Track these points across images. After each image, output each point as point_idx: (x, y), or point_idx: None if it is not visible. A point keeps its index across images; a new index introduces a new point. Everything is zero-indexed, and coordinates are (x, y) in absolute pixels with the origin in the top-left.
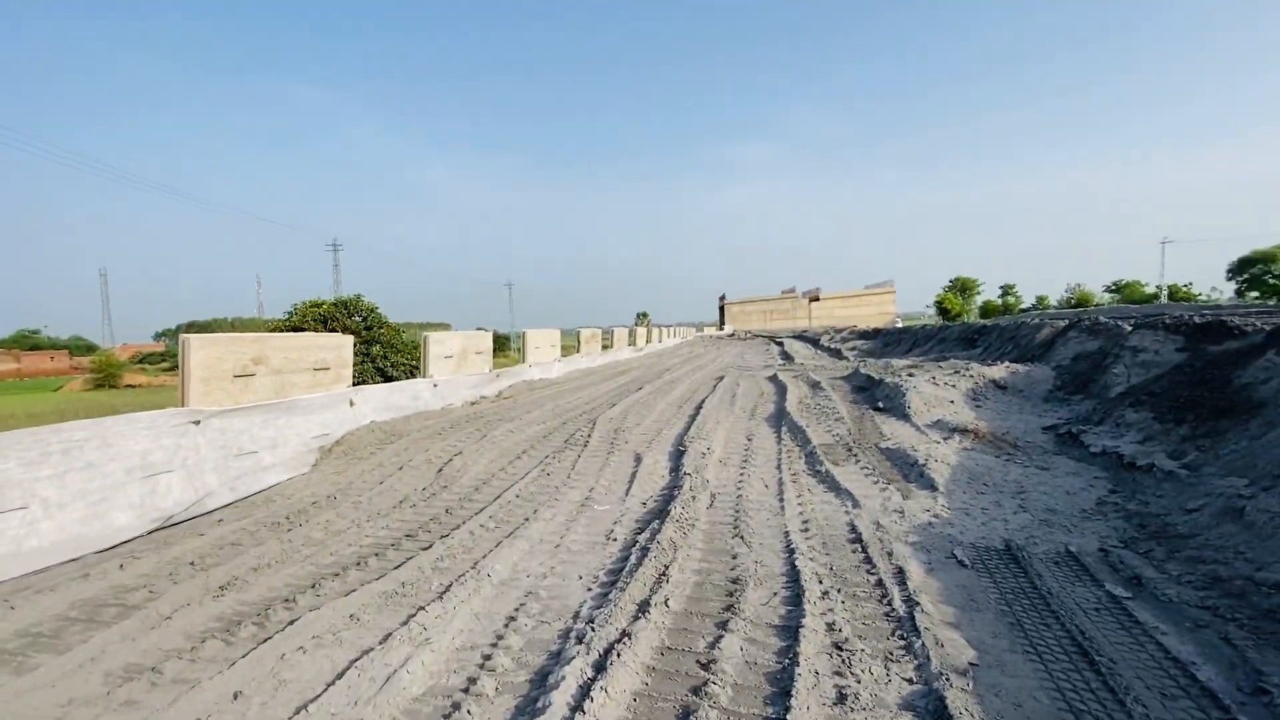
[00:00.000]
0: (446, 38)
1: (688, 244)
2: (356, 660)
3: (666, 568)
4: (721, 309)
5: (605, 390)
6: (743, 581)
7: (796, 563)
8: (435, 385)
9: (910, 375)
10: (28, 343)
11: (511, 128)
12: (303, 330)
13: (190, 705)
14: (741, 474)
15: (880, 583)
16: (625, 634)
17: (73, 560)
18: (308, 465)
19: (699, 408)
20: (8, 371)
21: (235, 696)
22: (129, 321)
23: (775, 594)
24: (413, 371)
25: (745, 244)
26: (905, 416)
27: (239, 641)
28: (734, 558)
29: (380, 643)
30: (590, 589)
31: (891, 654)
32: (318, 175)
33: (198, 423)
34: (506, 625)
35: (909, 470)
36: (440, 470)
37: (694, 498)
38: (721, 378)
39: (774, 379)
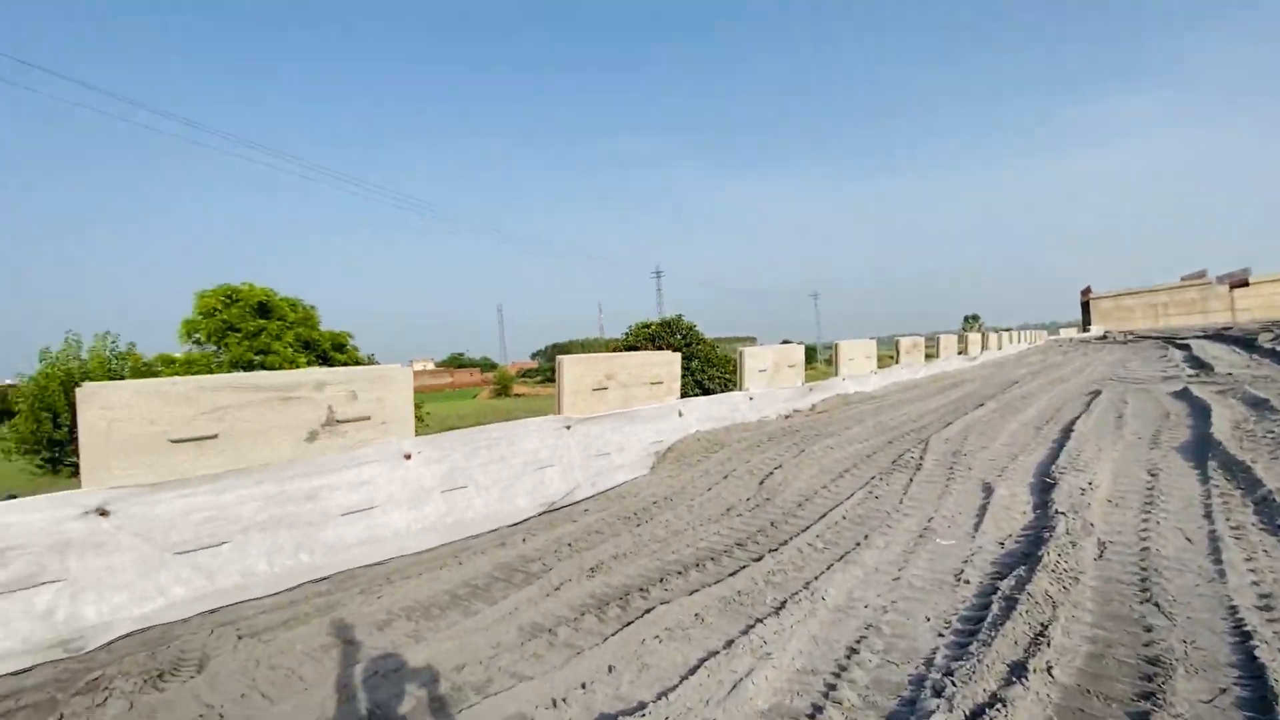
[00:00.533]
0: (737, 69)
1: (1024, 233)
2: (705, 660)
3: (1045, 627)
4: (1085, 305)
5: (935, 406)
6: (1166, 665)
7: (1258, 654)
8: (751, 398)
9: None
10: (457, 362)
11: (808, 139)
12: (636, 349)
13: (577, 668)
14: (1145, 520)
15: None
16: (997, 699)
17: (492, 531)
18: (646, 468)
19: (1068, 431)
20: (445, 384)
21: (609, 669)
22: (516, 343)
23: (1223, 691)
24: (727, 384)
25: (1113, 227)
26: None
27: (608, 620)
28: (1147, 630)
29: (724, 647)
30: (941, 635)
31: None
32: (641, 212)
33: (569, 427)
34: (848, 656)
35: None
36: (762, 482)
37: (1074, 544)
38: (1097, 392)
39: (1184, 394)
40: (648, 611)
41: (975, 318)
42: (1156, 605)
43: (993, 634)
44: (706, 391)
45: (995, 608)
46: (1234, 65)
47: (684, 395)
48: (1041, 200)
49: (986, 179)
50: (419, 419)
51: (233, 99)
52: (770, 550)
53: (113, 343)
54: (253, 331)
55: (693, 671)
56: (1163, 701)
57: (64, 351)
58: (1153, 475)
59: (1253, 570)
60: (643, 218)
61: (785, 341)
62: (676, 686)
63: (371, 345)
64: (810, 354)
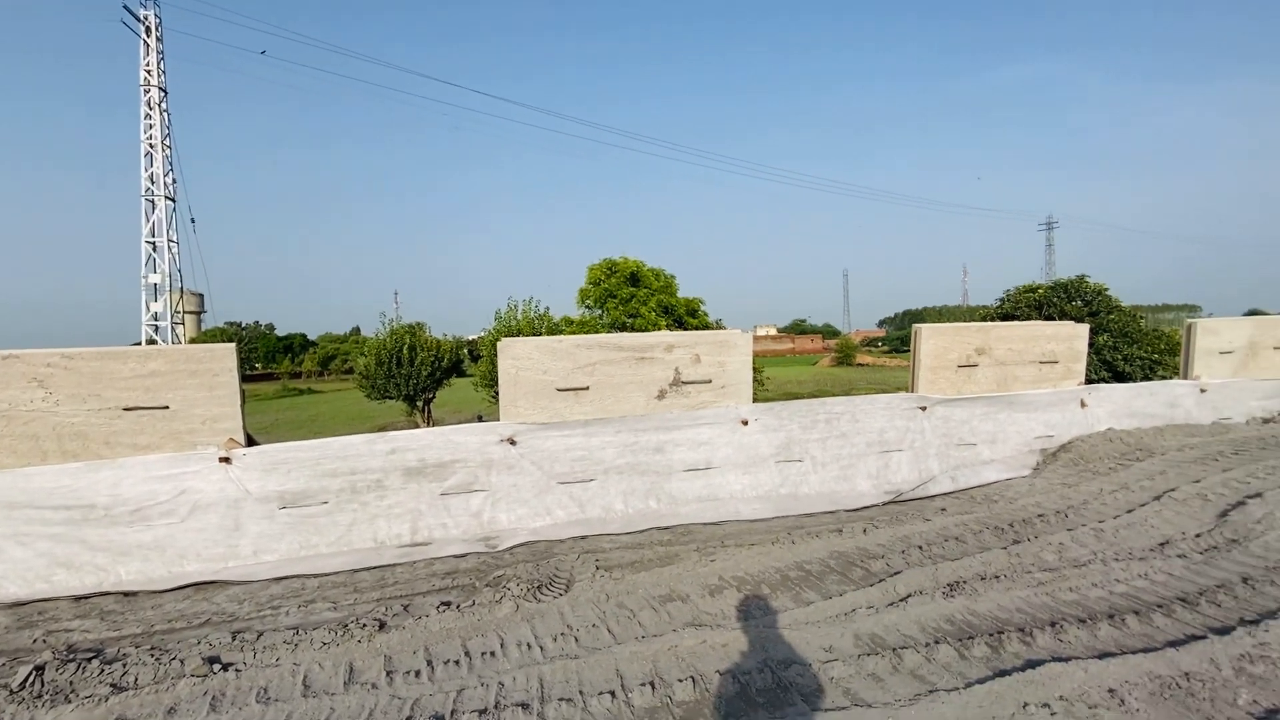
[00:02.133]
0: None
1: None
2: None
3: None
4: None
5: None
6: None
7: None
8: (1203, 390)
9: None
10: (799, 328)
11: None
12: (1015, 318)
13: (929, 712)
14: None
15: None
16: None
17: (829, 513)
18: (1028, 468)
19: None
20: (786, 349)
21: None
22: (861, 309)
23: None
24: (1151, 368)
25: None
26: None
27: (972, 660)
28: None
29: None
30: None
31: None
32: (1032, 153)
33: (924, 409)
34: None
35: None
36: (1224, 514)
37: None
38: None
39: None
40: (1031, 666)
41: None
42: None
43: None
44: (1121, 376)
45: None
46: None
47: (1090, 381)
48: None
49: None
50: (759, 383)
51: (616, 100)
52: (1245, 621)
53: (536, 305)
54: (625, 298)
55: None
56: None
57: (509, 312)
58: None
59: None
60: (1032, 159)
61: (1253, 312)
62: None
63: (719, 311)
64: None
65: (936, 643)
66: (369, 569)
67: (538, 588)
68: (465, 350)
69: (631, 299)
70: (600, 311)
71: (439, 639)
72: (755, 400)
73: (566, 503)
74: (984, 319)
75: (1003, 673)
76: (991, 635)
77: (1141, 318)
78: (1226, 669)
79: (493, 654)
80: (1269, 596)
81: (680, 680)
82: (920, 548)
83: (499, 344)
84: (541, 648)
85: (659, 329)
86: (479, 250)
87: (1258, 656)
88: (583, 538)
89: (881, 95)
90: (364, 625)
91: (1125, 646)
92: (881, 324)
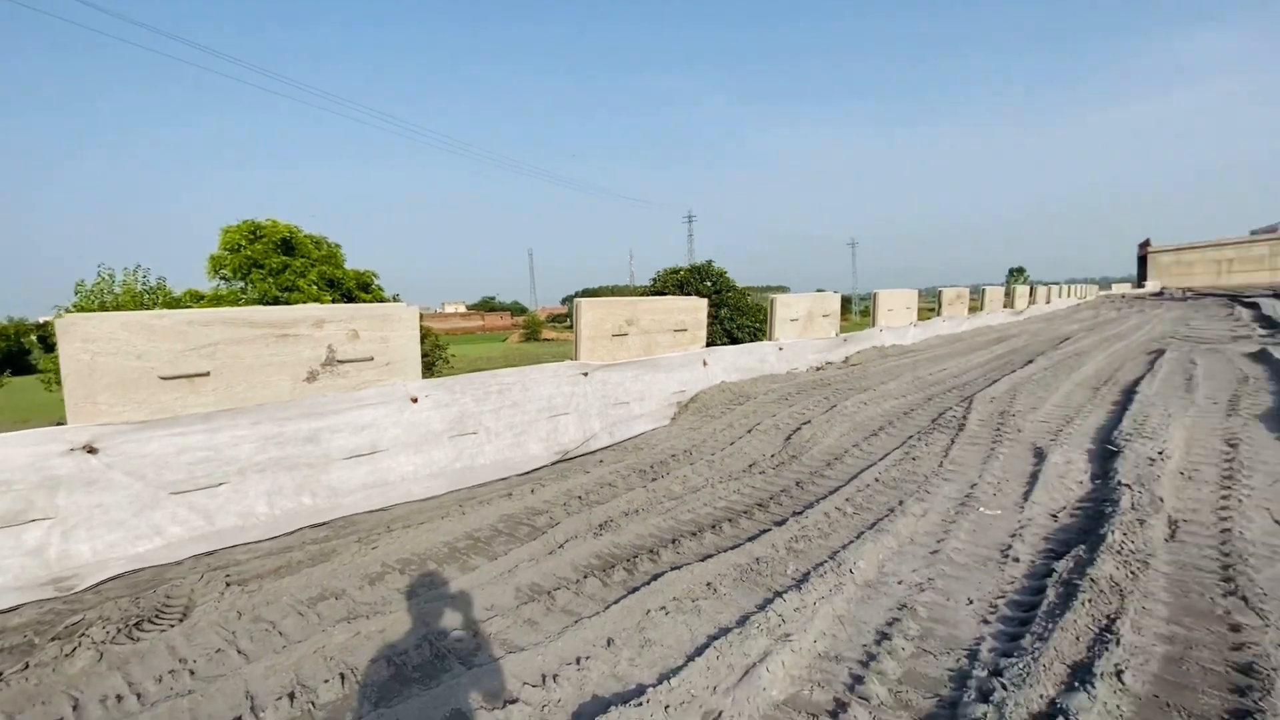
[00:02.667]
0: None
1: (1076, 185)
2: (715, 639)
3: (1110, 620)
4: (1143, 259)
5: (979, 361)
6: (1262, 675)
7: None
8: (781, 349)
9: None
10: (488, 306)
11: (854, 75)
12: (664, 294)
13: (574, 639)
14: (1225, 498)
15: None
16: (1059, 710)
17: (503, 480)
18: (667, 419)
19: (1130, 392)
20: (476, 326)
21: (609, 643)
22: (545, 289)
23: None
24: (756, 334)
25: (1175, 176)
26: None
27: (613, 585)
28: (1234, 630)
29: (737, 624)
30: (986, 621)
31: None
32: (675, 154)
33: (586, 374)
34: (878, 642)
35: None
36: (789, 438)
37: (1141, 521)
38: (1160, 351)
39: (1263, 357)
40: (656, 577)
41: (1020, 270)
42: (1244, 600)
43: (1049, 626)
44: (735, 341)
45: (1051, 593)
46: None
47: (712, 344)
48: (1095, 151)
49: (1037, 127)
50: (444, 360)
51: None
52: (794, 513)
53: (144, 276)
54: (277, 268)
55: (700, 652)
56: None
57: (98, 285)
58: (1232, 446)
59: None
60: (676, 160)
61: (819, 290)
62: (681, 668)
63: (404, 287)
64: (846, 305)
65: (585, 578)
66: None
67: (135, 624)
68: (33, 338)
69: (285, 269)
70: (244, 285)
71: None
72: (441, 376)
73: (186, 516)
74: (641, 295)
75: (634, 589)
76: (628, 560)
77: (749, 295)
78: (782, 550)
79: None
80: (811, 493)
81: (326, 681)
82: (580, 498)
83: (57, 323)
84: (139, 695)
85: (321, 304)
86: (57, 208)
87: (801, 537)
88: (210, 553)
89: (561, 89)
90: None
91: (721, 548)
92: (564, 301)
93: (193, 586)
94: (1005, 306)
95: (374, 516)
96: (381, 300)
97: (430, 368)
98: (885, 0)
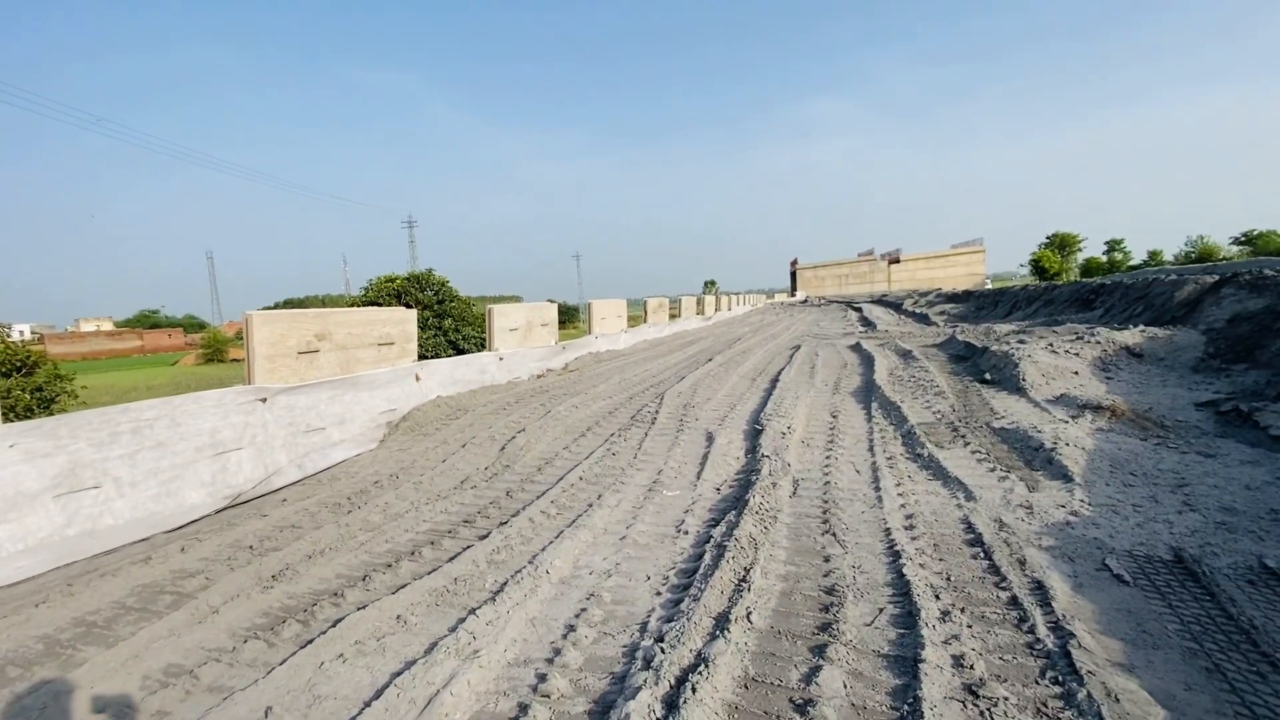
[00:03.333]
0: (508, 16)
1: (758, 210)
2: (398, 675)
3: (747, 571)
4: (793, 274)
5: (673, 362)
6: (839, 593)
7: (905, 570)
8: (501, 359)
9: (1020, 342)
10: (148, 321)
11: (576, 103)
12: (379, 304)
13: (224, 715)
14: (828, 457)
15: (1015, 600)
16: (701, 659)
17: (144, 540)
18: (375, 441)
19: (775, 381)
20: (132, 349)
21: (266, 713)
22: (236, 300)
23: (881, 610)
24: (482, 344)
25: (818, 208)
26: (1020, 390)
27: (280, 643)
28: (826, 560)
29: (425, 653)
30: (659, 593)
31: (1048, 709)
32: (395, 156)
33: (265, 400)
34: (565, 636)
35: (1032, 455)
36: (503, 448)
37: (774, 485)
38: (798, 347)
39: (857, 348)
40: (335, 624)
41: (713, 283)
42: (834, 535)
43: (703, 586)
44: (461, 352)
45: (708, 557)
46: (903, 83)
47: (438, 356)
48: (769, 183)
49: (723, 161)
50: (70, 394)
51: None
52: (500, 524)
53: None
54: None
55: (379, 694)
56: (837, 631)
57: None
58: (834, 417)
59: (900, 495)
60: (396, 165)
61: (549, 301)
62: (354, 718)
63: (16, 303)
64: (573, 314)
65: (245, 642)
66: None
67: None
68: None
69: None
70: None
71: None
72: (72, 410)
73: None
74: (352, 305)
75: (308, 643)
76: (304, 611)
77: (473, 305)
78: (483, 564)
79: None
80: (519, 500)
81: None
82: (250, 547)
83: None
84: None
85: None
86: None
87: (503, 547)
88: None
89: (249, 75)
90: None
91: (417, 574)
92: None
93: None
94: (698, 313)
95: None
96: None
97: (47, 406)
98: (625, 38)
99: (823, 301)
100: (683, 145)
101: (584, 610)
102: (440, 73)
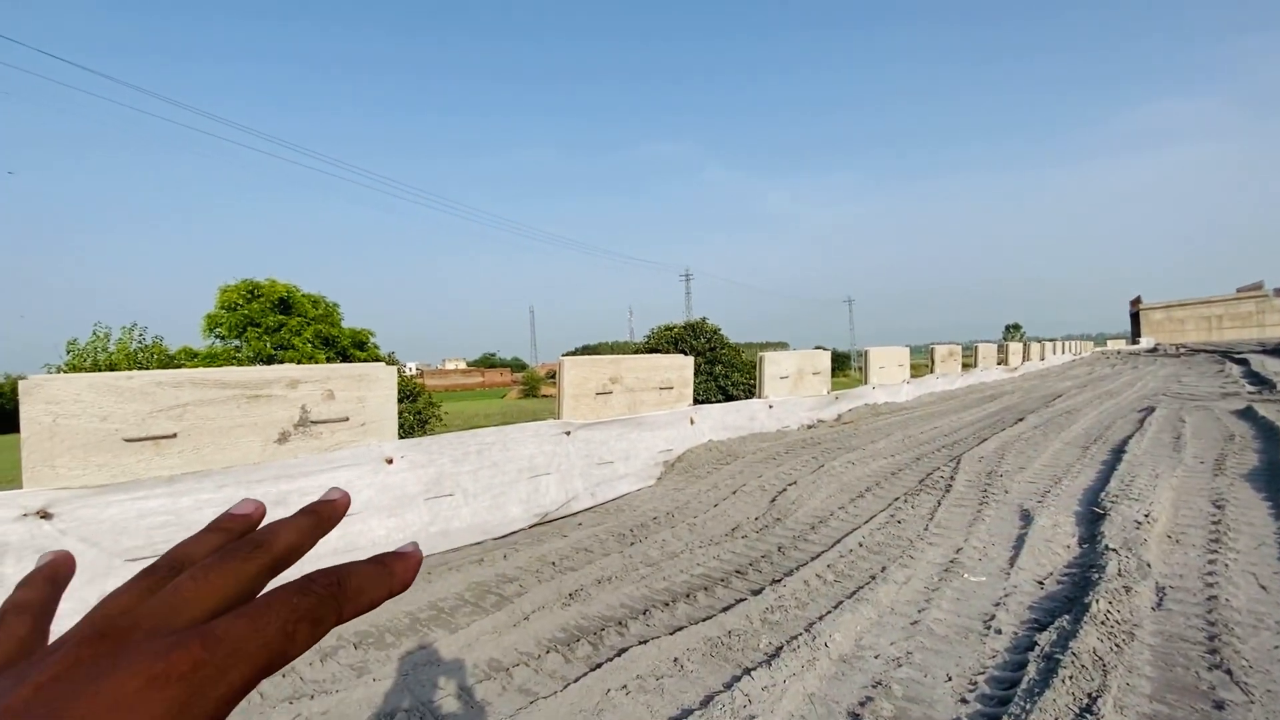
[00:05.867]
0: (773, 78)
1: (1080, 240)
2: None
3: (1093, 700)
4: (1135, 315)
5: (970, 419)
6: None
7: None
8: (770, 406)
9: None
10: (488, 362)
11: (845, 148)
12: (659, 351)
13: None
14: (1210, 561)
15: None
16: None
17: (477, 543)
18: (653, 479)
19: (1119, 451)
20: (476, 383)
21: None
22: (547, 346)
23: None
24: (750, 390)
25: (1163, 234)
26: None
27: (575, 660)
28: (1219, 708)
29: (701, 705)
30: (965, 700)
31: None
32: (674, 216)
33: (569, 433)
34: None
35: None
36: (774, 500)
37: (1127, 589)
38: (1150, 409)
39: (1248, 414)
40: (620, 653)
41: (1017, 327)
42: (1229, 674)
43: (1028, 706)
44: (730, 398)
45: (1032, 669)
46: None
47: (706, 401)
48: (1089, 208)
49: (1031, 186)
50: (437, 418)
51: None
52: (773, 582)
53: (140, 335)
54: (273, 327)
55: None
56: None
57: (91, 344)
58: (1218, 507)
59: None
60: (675, 223)
61: (819, 348)
62: None
63: (404, 346)
64: (844, 361)
65: (548, 652)
66: None
67: None
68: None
69: (281, 328)
70: (238, 343)
71: None
72: (430, 434)
73: None
74: (635, 352)
75: (597, 666)
76: (594, 634)
77: (742, 352)
78: (756, 621)
79: None
80: (792, 559)
81: None
82: (554, 563)
83: (21, 385)
84: None
85: (316, 362)
86: (51, 266)
87: (777, 607)
88: None
89: (549, 157)
90: None
91: (693, 619)
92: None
93: None
94: (999, 363)
95: None
96: (377, 359)
97: (423, 425)
98: (881, 56)
99: (1182, 350)
100: (973, 176)
101: (870, 699)
102: (714, 135)
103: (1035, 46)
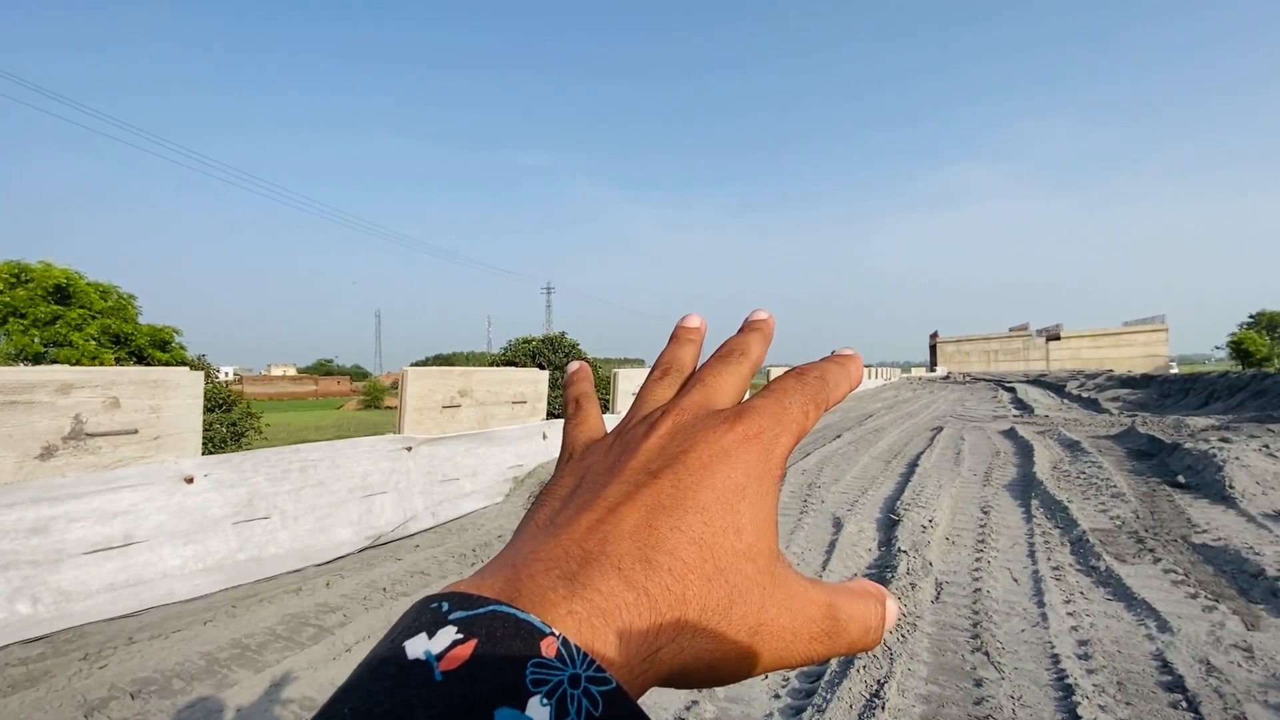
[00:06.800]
0: (634, 95)
1: (887, 281)
2: None
3: (881, 685)
4: (933, 348)
5: None
6: None
7: (1080, 713)
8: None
9: (1225, 441)
10: (323, 369)
11: (705, 171)
12: (515, 364)
13: None
14: (978, 559)
15: None
16: None
17: (297, 571)
18: (501, 495)
19: (913, 465)
20: (308, 392)
21: None
22: (394, 353)
23: None
24: (606, 405)
25: (960, 279)
26: (1226, 500)
27: None
28: (977, 685)
29: None
30: (778, 696)
31: None
32: (537, 227)
33: (410, 449)
34: None
35: (1249, 583)
36: None
37: (913, 585)
38: (939, 428)
39: (1011, 434)
40: None
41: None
42: (986, 655)
43: (828, 697)
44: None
45: (834, 662)
46: (1057, 147)
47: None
48: (903, 251)
49: (856, 228)
50: (257, 430)
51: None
52: None
53: None
54: (44, 319)
55: None
56: None
57: None
58: (985, 513)
59: (1071, 614)
60: (537, 233)
61: None
62: None
63: (222, 348)
64: None
65: None
66: None
67: None
68: None
69: (56, 321)
70: None
71: None
72: (248, 449)
73: None
74: (492, 364)
75: None
76: None
77: (600, 368)
78: None
79: None
80: None
81: None
82: (384, 589)
83: None
84: None
85: (103, 364)
86: None
87: None
88: None
89: (418, 159)
90: None
91: None
92: (415, 367)
93: None
94: None
95: (116, 625)
96: (183, 362)
97: (238, 439)
98: (733, 106)
99: (967, 379)
100: (806, 214)
101: (694, 705)
102: (584, 151)
103: (864, 122)
